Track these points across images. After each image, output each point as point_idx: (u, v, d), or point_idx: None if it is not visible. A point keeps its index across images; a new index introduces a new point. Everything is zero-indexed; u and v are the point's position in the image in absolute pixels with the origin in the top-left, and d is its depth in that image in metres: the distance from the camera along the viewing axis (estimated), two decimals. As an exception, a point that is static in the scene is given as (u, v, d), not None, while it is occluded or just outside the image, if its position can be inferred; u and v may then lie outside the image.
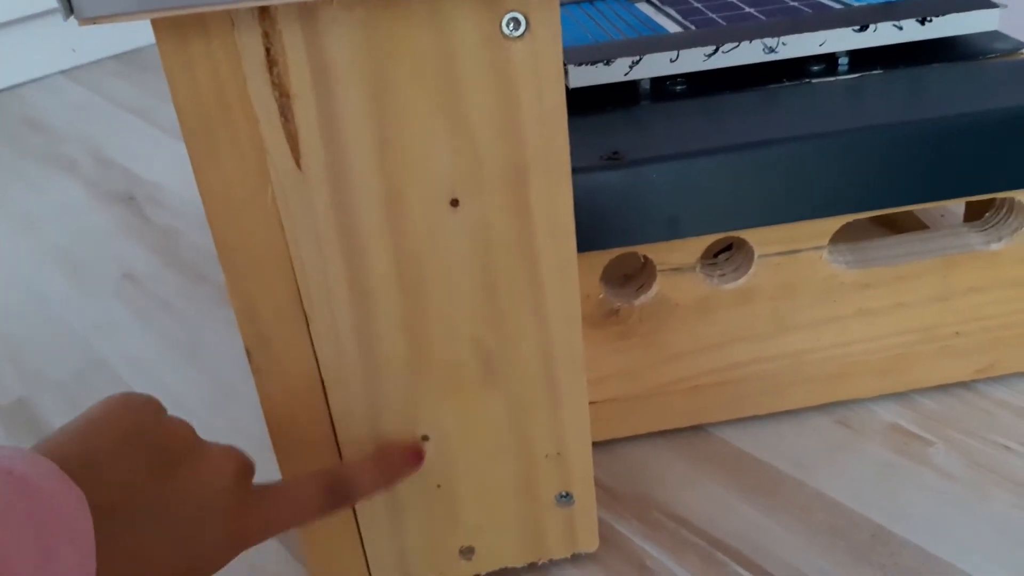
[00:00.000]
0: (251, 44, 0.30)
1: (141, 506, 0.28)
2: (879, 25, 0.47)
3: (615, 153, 0.42)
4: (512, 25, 0.30)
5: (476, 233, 0.34)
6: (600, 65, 0.46)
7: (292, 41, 0.30)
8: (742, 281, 0.45)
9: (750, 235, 0.44)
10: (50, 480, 0.25)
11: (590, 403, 0.46)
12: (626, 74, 0.47)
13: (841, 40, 0.47)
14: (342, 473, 0.36)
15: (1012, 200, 0.46)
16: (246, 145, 0.31)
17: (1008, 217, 0.46)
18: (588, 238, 0.42)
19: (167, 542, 0.29)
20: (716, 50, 0.47)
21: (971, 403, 0.50)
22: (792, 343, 0.48)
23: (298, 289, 0.34)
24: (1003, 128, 0.42)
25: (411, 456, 0.37)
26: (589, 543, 0.43)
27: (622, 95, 0.48)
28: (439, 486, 0.39)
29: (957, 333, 0.49)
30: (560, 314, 0.36)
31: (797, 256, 0.45)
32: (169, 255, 0.74)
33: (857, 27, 0.47)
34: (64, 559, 0.24)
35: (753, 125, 0.44)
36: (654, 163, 0.42)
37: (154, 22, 0.29)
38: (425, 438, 0.38)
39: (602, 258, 0.44)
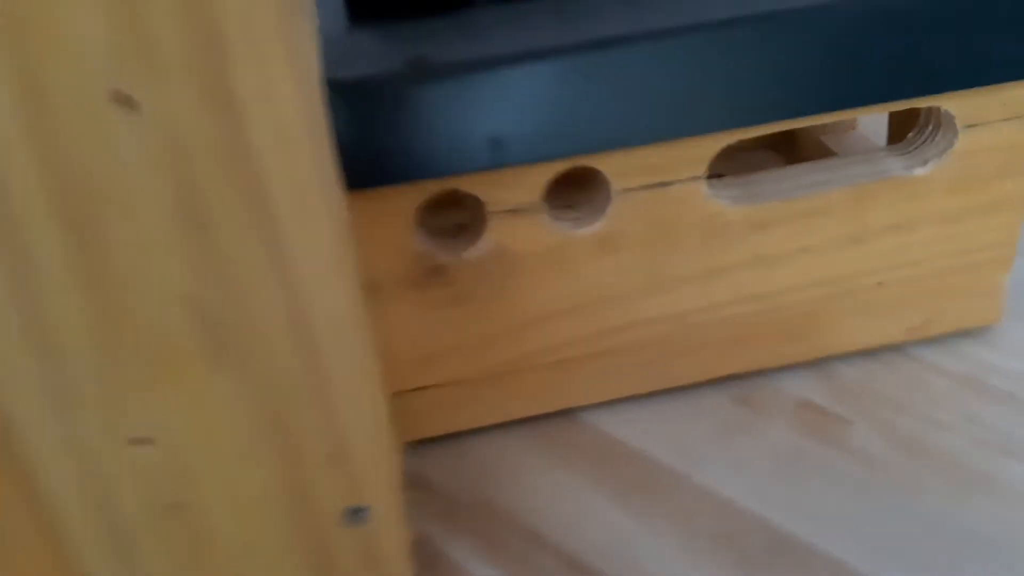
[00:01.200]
0: None
1: None
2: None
3: (420, 57, 0.32)
4: None
5: (161, 143, 0.23)
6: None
7: None
8: (600, 224, 0.35)
9: (603, 163, 0.34)
10: None
11: (419, 388, 0.36)
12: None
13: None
14: None
15: (938, 111, 0.36)
16: None
17: (935, 135, 0.37)
18: (387, 168, 0.32)
19: None
20: (562, -67, 0.37)
21: (901, 370, 0.40)
22: (673, 302, 0.38)
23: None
24: (923, 10, 0.33)
25: None
26: (397, 570, 0.33)
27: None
28: (175, 505, 0.29)
29: (880, 284, 0.39)
30: (310, 259, 0.26)
31: (667, 190, 0.35)
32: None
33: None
34: None
35: (599, 21, 0.34)
36: (469, 68, 0.31)
37: None
38: (145, 441, 0.28)
39: (412, 196, 0.33)
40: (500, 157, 0.32)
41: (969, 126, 0.36)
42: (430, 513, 0.36)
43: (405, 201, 0.34)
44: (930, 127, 0.37)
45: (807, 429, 0.38)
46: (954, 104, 0.35)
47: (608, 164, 0.34)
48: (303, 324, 0.27)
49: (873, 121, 0.45)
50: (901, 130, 0.39)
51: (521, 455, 0.38)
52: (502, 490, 0.37)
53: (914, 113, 0.38)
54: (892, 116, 0.40)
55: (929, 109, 0.37)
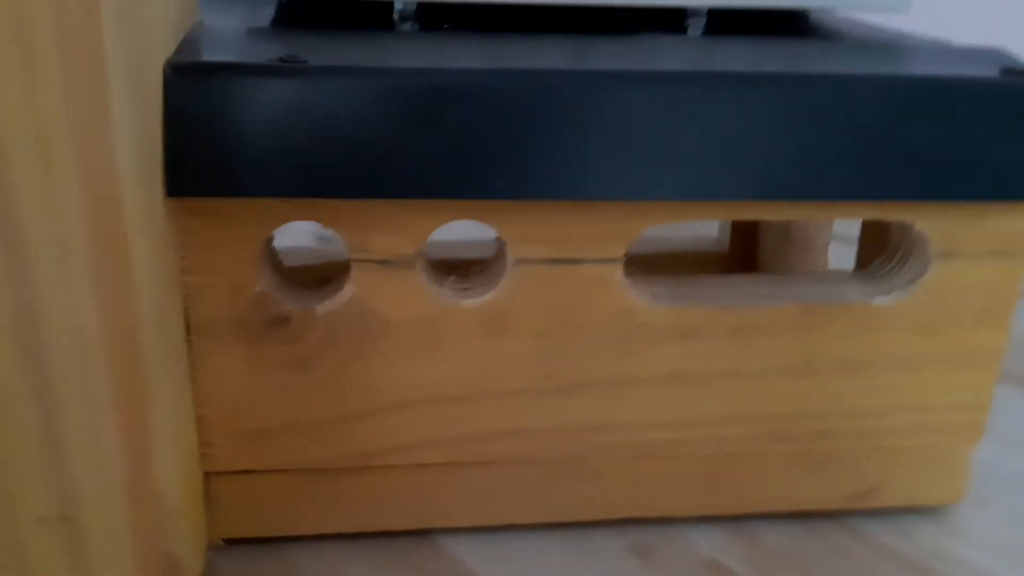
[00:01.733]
0: None
1: None
2: (739, -28, 0.33)
3: (291, 56, 0.26)
4: None
5: None
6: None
7: None
8: (489, 297, 0.29)
9: (499, 220, 0.28)
10: None
11: (243, 472, 0.29)
12: (368, -14, 0.32)
13: (683, -14, 0.33)
14: None
15: (910, 231, 0.30)
16: None
17: (905, 262, 0.31)
18: (228, 175, 0.26)
19: None
20: (503, -29, 0.32)
21: (837, 546, 0.33)
22: (568, 412, 0.31)
23: None
24: (900, 104, 0.27)
25: None
26: None
27: (377, 21, 0.33)
28: None
29: (822, 432, 0.32)
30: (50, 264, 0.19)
31: (575, 270, 0.29)
32: None
33: (708, -30, 0.33)
34: None
35: (522, 58, 0.28)
36: (340, 73, 0.26)
37: None
38: None
39: (258, 221, 0.27)
40: (366, 184, 0.26)
41: (944, 254, 0.30)
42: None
43: (250, 226, 0.27)
44: (900, 252, 0.31)
45: (711, 597, 0.30)
46: (928, 222, 0.30)
47: (505, 224, 0.28)
48: (32, 338, 0.20)
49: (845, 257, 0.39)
50: (871, 256, 0.33)
51: (355, 577, 0.31)
52: (316, 618, 0.29)
53: (885, 236, 0.32)
54: (863, 241, 0.35)
55: (900, 229, 0.31)
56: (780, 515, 0.34)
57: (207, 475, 0.30)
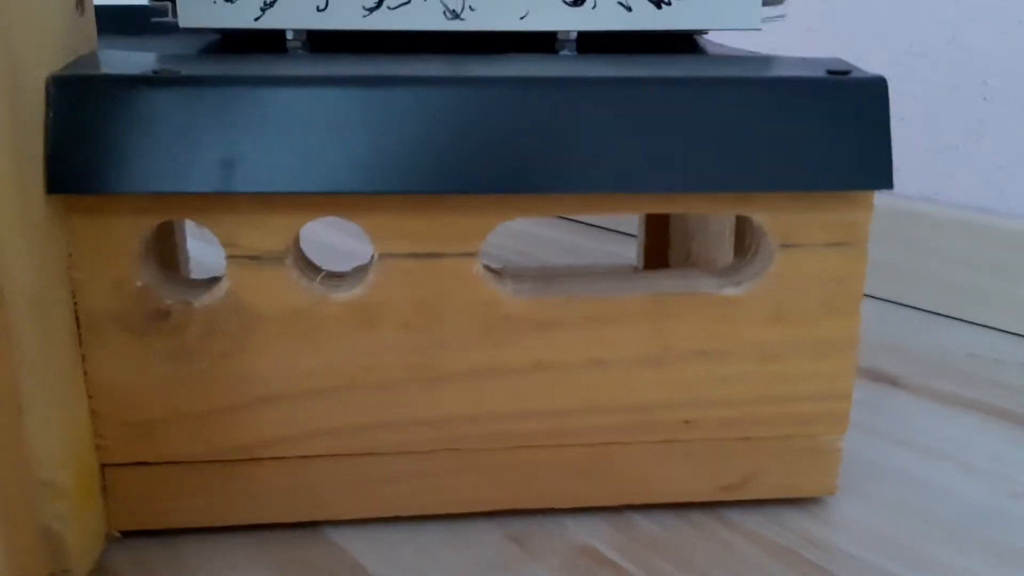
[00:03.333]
0: None
1: None
2: (600, 1, 0.36)
3: (168, 68, 0.29)
4: None
5: None
6: (221, 1, 0.35)
7: None
8: (359, 291, 0.31)
9: (363, 218, 0.30)
10: None
11: (134, 464, 0.31)
12: (257, 19, 0.35)
13: (551, 14, 0.36)
14: None
15: (753, 230, 0.32)
16: None
17: (755, 256, 0.33)
18: (105, 173, 0.29)
19: None
20: (379, 4, 0.35)
21: (710, 534, 0.34)
22: (440, 402, 0.33)
23: None
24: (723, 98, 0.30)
25: None
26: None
27: (270, 50, 0.36)
28: None
29: (687, 422, 0.34)
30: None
31: (436, 263, 0.31)
32: None
33: (570, 0, 0.36)
34: None
35: (376, 67, 0.31)
36: (211, 82, 0.29)
37: None
38: None
39: (137, 219, 0.30)
40: (229, 181, 0.29)
41: (785, 246, 0.32)
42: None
43: (130, 224, 0.30)
44: (752, 248, 0.33)
45: (577, 578, 0.31)
46: (766, 215, 0.32)
47: (369, 220, 0.30)
48: None
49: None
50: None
51: (244, 571, 0.32)
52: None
53: (742, 232, 0.34)
54: (736, 239, 0.37)
55: (749, 226, 0.33)
56: (655, 507, 0.35)
57: (104, 467, 0.32)
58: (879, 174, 0.31)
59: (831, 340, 0.33)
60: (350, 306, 0.31)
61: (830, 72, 0.31)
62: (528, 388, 0.33)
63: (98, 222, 0.29)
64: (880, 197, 0.33)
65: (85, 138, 0.28)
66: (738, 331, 0.33)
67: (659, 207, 0.32)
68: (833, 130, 0.30)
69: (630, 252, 0.69)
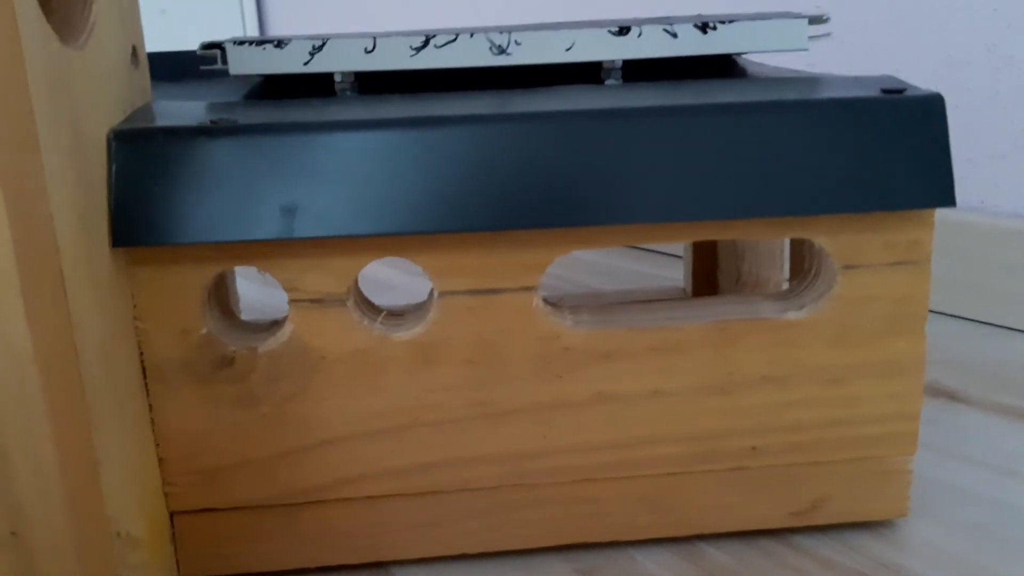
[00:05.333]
0: None
1: None
2: (645, 29, 0.36)
3: (225, 118, 0.30)
4: None
5: None
6: (270, 48, 0.35)
7: None
8: (420, 330, 0.31)
9: (422, 257, 0.31)
10: None
11: (202, 511, 0.31)
12: (306, 63, 0.35)
13: (596, 45, 0.36)
14: None
15: (812, 248, 0.32)
16: None
17: (816, 278, 0.33)
18: (167, 225, 0.29)
19: None
20: (426, 43, 0.35)
21: (783, 561, 0.33)
22: (504, 438, 0.32)
23: None
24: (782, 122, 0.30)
25: None
26: None
27: (316, 92, 0.36)
28: None
29: (754, 448, 0.33)
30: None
31: (495, 299, 0.31)
32: None
33: (615, 29, 0.36)
34: None
35: (428, 107, 0.31)
36: (267, 130, 0.29)
37: None
38: None
39: (201, 268, 0.30)
40: (289, 227, 0.29)
41: (848, 267, 0.32)
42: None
43: (193, 273, 0.30)
44: (812, 270, 0.33)
45: (651, 613, 0.31)
46: (827, 238, 0.31)
47: (427, 259, 0.31)
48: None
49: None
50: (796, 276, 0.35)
51: (308, 607, 0.32)
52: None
53: (802, 255, 0.34)
54: (792, 262, 0.36)
55: (809, 247, 0.33)
56: (724, 536, 0.34)
57: (173, 515, 0.32)
58: (940, 191, 0.30)
59: (897, 360, 0.33)
60: (411, 345, 0.31)
61: (884, 91, 0.31)
62: (591, 421, 0.32)
63: (162, 273, 0.30)
64: (941, 214, 0.32)
65: (147, 191, 0.29)
66: (802, 355, 0.32)
67: (716, 234, 0.31)
68: (892, 149, 0.30)
69: (665, 271, 0.68)
